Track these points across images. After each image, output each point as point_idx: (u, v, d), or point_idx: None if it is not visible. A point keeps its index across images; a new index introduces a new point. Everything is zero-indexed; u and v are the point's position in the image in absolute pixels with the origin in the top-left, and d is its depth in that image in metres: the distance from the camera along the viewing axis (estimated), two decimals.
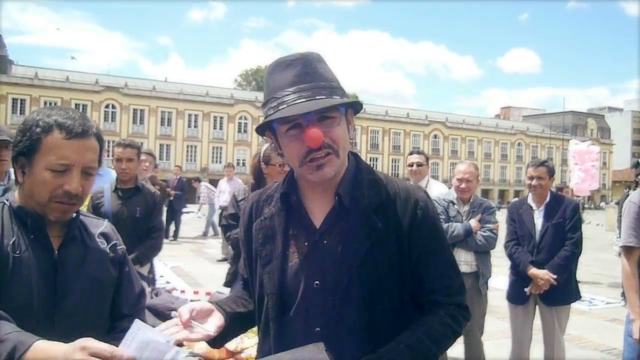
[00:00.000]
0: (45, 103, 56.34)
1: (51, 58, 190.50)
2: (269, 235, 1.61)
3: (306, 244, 1.56)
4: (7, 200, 1.68)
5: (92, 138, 1.65)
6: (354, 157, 1.66)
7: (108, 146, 21.90)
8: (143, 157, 5.38)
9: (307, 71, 1.49)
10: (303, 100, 1.45)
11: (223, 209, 12.75)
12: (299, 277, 1.54)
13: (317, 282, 1.52)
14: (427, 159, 5.44)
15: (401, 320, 1.55)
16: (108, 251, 1.81)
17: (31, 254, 1.60)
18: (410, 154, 5.44)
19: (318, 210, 1.59)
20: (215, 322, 1.55)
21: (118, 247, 1.85)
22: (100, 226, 1.85)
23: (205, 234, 17.16)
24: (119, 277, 1.83)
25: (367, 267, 1.51)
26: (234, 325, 1.62)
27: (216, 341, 1.59)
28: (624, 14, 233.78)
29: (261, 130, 1.59)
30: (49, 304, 1.60)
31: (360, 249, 1.51)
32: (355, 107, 1.60)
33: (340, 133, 1.52)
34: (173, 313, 1.54)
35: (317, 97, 1.46)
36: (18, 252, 1.58)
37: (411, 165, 5.28)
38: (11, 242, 1.58)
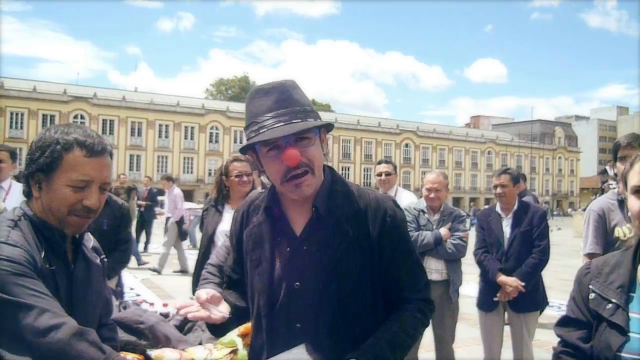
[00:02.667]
0: (11, 114, 55.42)
1: (17, 68, 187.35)
2: (258, 242, 1.80)
3: (288, 249, 1.75)
4: (25, 213, 1.71)
5: (108, 156, 1.75)
6: (330, 170, 1.84)
7: None
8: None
9: (283, 97, 1.68)
10: (281, 124, 1.63)
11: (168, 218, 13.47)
12: (282, 279, 1.74)
13: (297, 283, 1.72)
14: (396, 168, 5.47)
15: (373, 316, 1.75)
16: (100, 265, 1.91)
17: (55, 267, 1.66)
18: (379, 163, 5.46)
19: (299, 220, 1.78)
20: (226, 308, 1.79)
21: (105, 261, 1.97)
22: (90, 240, 1.92)
23: (193, 245, 16.66)
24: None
25: (341, 270, 1.70)
26: (235, 316, 1.83)
27: (219, 329, 1.85)
28: (586, 25, 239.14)
29: (244, 151, 1.77)
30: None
31: (335, 253, 1.70)
32: (327, 127, 1.77)
33: (315, 152, 1.70)
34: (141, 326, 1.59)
35: (293, 121, 1.64)
36: (48, 265, 1.63)
37: (380, 174, 5.31)
38: (42, 256, 1.63)
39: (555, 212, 69.60)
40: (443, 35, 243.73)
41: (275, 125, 1.63)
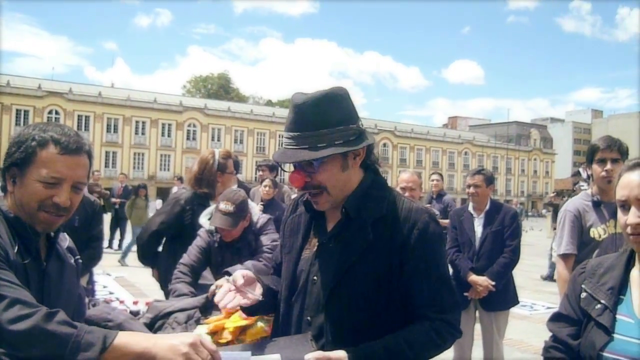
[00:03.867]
0: None
1: None
2: (294, 230, 1.91)
3: (317, 244, 1.83)
4: None
5: (84, 155, 1.74)
6: (373, 174, 1.87)
7: None
8: None
9: (298, 120, 1.70)
10: (290, 147, 1.71)
11: None
12: (304, 271, 1.82)
13: (315, 277, 1.79)
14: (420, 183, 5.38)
15: (384, 325, 1.71)
16: (74, 265, 1.92)
17: (27, 263, 1.66)
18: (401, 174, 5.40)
19: (333, 218, 1.84)
20: (260, 290, 1.82)
21: (79, 261, 1.97)
22: (65, 240, 1.93)
23: None
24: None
25: (356, 272, 1.72)
26: (267, 300, 1.87)
27: (252, 310, 1.91)
28: (561, 29, 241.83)
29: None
30: None
31: (352, 254, 1.73)
32: (334, 154, 1.71)
33: (325, 176, 1.74)
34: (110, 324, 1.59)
35: (300, 147, 1.69)
36: (19, 260, 1.63)
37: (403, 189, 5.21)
38: (15, 250, 1.64)
39: (530, 213, 70.38)
40: (421, 36, 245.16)
41: (286, 147, 1.72)
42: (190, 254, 3.49)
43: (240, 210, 3.37)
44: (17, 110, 55.18)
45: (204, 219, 3.66)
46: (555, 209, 12.90)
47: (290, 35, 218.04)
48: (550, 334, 1.94)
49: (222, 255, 3.47)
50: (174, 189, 15.78)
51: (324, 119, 1.70)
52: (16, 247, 1.65)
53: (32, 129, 1.72)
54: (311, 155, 1.68)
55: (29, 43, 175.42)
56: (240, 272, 1.81)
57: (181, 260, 3.50)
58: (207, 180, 4.05)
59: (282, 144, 1.80)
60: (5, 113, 54.81)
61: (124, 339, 1.45)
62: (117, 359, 1.44)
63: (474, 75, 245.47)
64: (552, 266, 12.39)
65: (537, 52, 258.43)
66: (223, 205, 3.36)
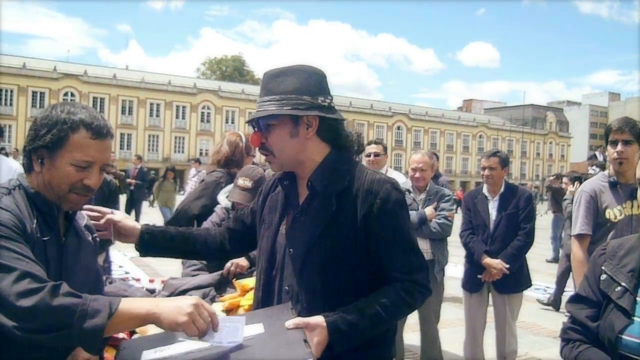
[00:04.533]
0: (1, 90, 54.84)
1: (8, 44, 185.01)
2: (273, 207, 2.03)
3: (291, 218, 1.95)
4: (20, 184, 1.75)
5: (110, 138, 1.80)
6: (337, 149, 1.97)
7: None
8: None
9: (266, 84, 1.92)
10: (256, 110, 1.91)
11: None
12: (281, 244, 1.95)
13: (291, 249, 1.90)
14: (385, 149, 5.46)
15: (357, 288, 1.84)
16: (92, 242, 1.96)
17: (47, 238, 1.70)
18: (368, 144, 5.44)
19: (304, 192, 1.96)
20: (122, 240, 2.12)
21: (97, 239, 2.02)
22: (83, 219, 1.98)
23: None
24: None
25: (323, 241, 1.84)
26: (150, 249, 2.11)
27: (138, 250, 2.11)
28: (578, 11, 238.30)
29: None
30: None
31: (318, 226, 1.85)
32: (287, 116, 1.89)
33: (277, 138, 1.90)
34: None
35: (264, 108, 1.88)
36: (39, 234, 1.67)
37: (369, 155, 5.30)
38: (34, 225, 1.67)
39: (545, 197, 69.91)
40: (435, 18, 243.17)
41: (256, 110, 1.91)
42: (218, 214, 3.57)
43: (258, 187, 3.37)
44: (33, 92, 55.54)
45: (222, 197, 3.70)
46: (554, 193, 12.74)
47: (304, 16, 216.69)
48: (568, 315, 1.94)
49: None
50: (192, 171, 15.78)
51: (278, 87, 1.89)
52: (35, 222, 1.68)
53: (59, 110, 1.73)
54: (258, 114, 1.89)
55: (44, 25, 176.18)
56: (114, 220, 2.08)
57: (211, 219, 3.59)
58: (237, 161, 4.15)
59: None
60: (21, 95, 55.22)
61: (129, 304, 1.53)
62: (124, 323, 1.53)
63: (489, 58, 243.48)
64: (556, 249, 12.32)
65: (553, 34, 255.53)
66: (242, 181, 3.39)
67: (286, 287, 1.90)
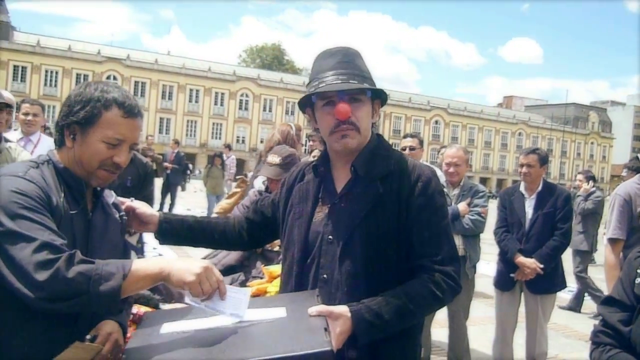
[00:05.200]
0: (46, 72, 56.20)
1: (54, 26, 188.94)
2: (304, 196, 1.98)
3: (328, 205, 1.91)
4: (50, 159, 1.78)
5: (140, 118, 1.83)
6: (377, 137, 1.97)
7: None
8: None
9: (346, 60, 1.86)
10: (339, 82, 1.81)
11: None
12: (319, 232, 1.89)
13: (330, 237, 1.86)
14: (422, 142, 5.36)
15: (400, 275, 1.80)
16: (119, 220, 1.97)
17: (75, 212, 1.72)
18: (404, 137, 5.37)
19: (342, 179, 1.93)
20: (139, 229, 2.11)
21: (124, 217, 2.03)
22: (111, 197, 2.00)
23: None
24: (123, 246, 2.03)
25: (367, 226, 1.80)
26: (168, 235, 2.09)
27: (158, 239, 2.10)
28: (625, 9, 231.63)
29: (302, 104, 1.97)
30: None
31: (362, 209, 1.82)
32: (382, 97, 1.94)
33: (363, 114, 1.86)
34: None
35: (350, 81, 1.81)
36: (66, 208, 1.69)
37: (404, 149, 5.20)
38: (61, 199, 1.69)
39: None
40: (478, 12, 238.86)
41: (334, 82, 1.81)
42: (237, 211, 3.62)
43: (286, 163, 3.48)
44: (77, 74, 56.74)
45: (257, 181, 3.78)
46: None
47: (345, 7, 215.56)
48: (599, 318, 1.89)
49: None
50: (225, 157, 16.21)
51: (364, 66, 1.90)
52: (62, 195, 1.70)
53: (93, 88, 1.76)
54: (353, 86, 1.82)
55: (90, 9, 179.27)
56: (133, 207, 2.06)
57: (243, 202, 3.69)
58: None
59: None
60: (66, 77, 56.47)
61: (141, 264, 1.59)
62: (138, 282, 1.57)
63: (532, 54, 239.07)
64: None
65: (599, 33, 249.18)
66: (271, 158, 3.54)
67: (324, 276, 1.85)
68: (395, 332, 1.76)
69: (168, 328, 1.66)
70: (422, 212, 1.82)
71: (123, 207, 2.02)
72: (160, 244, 2.16)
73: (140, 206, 2.09)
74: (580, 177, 9.04)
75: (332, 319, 1.63)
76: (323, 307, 1.65)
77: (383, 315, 1.68)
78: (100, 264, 1.53)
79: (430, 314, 1.95)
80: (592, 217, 8.36)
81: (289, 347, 1.49)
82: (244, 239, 2.19)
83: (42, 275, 1.46)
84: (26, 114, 4.73)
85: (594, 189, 8.54)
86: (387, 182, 1.84)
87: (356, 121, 1.84)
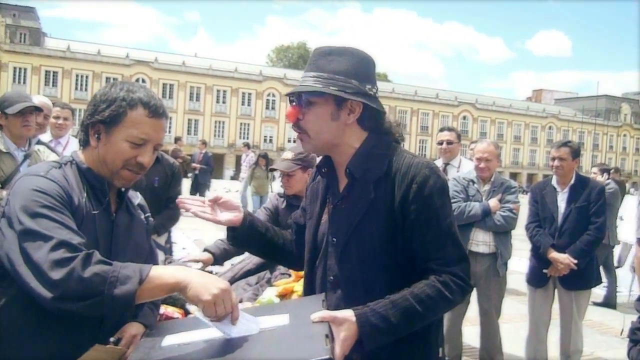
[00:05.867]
0: (77, 76, 57.21)
1: (83, 31, 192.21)
2: (314, 196, 1.97)
3: (332, 206, 1.88)
4: (73, 159, 1.79)
5: (165, 119, 1.82)
6: (376, 135, 1.86)
7: None
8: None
9: (314, 60, 1.80)
10: (299, 84, 1.78)
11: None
12: (324, 233, 1.87)
13: (334, 238, 1.83)
14: (459, 136, 5.18)
15: (396, 279, 1.73)
16: (144, 221, 1.98)
17: (97, 213, 1.73)
18: (441, 130, 5.19)
19: (344, 179, 1.87)
20: (229, 216, 1.90)
21: (150, 219, 2.04)
22: (137, 198, 2.00)
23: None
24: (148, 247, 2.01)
25: (362, 230, 1.76)
26: (248, 234, 1.94)
27: (231, 237, 1.96)
28: None
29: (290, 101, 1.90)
30: None
31: (357, 214, 1.77)
32: (364, 95, 1.79)
33: (314, 117, 1.79)
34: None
35: (305, 84, 1.76)
36: (88, 208, 1.70)
37: (441, 143, 5.06)
38: (83, 199, 1.70)
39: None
40: (504, 5, 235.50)
41: (296, 84, 1.80)
42: (259, 215, 3.63)
43: (299, 160, 3.51)
44: (106, 78, 57.54)
45: (278, 184, 3.82)
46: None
47: (369, 5, 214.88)
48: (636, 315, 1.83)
49: (288, 217, 3.56)
50: (243, 156, 16.31)
51: (328, 66, 1.78)
52: (84, 195, 1.71)
53: (119, 88, 1.77)
54: (301, 88, 1.77)
55: (118, 14, 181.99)
56: (217, 194, 1.94)
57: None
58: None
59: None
60: (96, 80, 57.36)
61: (159, 271, 1.55)
62: (154, 290, 1.54)
63: (560, 47, 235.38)
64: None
65: (629, 22, 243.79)
66: (285, 154, 3.58)
67: (331, 277, 1.82)
68: (405, 334, 1.68)
69: (169, 340, 1.63)
70: (420, 215, 1.73)
71: (213, 197, 1.91)
72: (232, 243, 2.02)
73: (224, 197, 1.95)
74: (595, 169, 8.93)
75: (336, 325, 1.56)
76: (326, 313, 1.58)
77: (390, 319, 1.61)
78: (118, 266, 1.51)
79: (442, 314, 1.85)
80: (608, 209, 8.22)
81: (285, 355, 1.44)
82: (293, 251, 2.08)
83: (57, 274, 1.45)
84: (57, 117, 4.83)
85: (608, 181, 8.38)
86: (381, 185, 1.77)
87: (304, 125, 1.80)
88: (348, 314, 1.59)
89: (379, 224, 1.74)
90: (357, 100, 1.78)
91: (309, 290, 1.91)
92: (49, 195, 1.59)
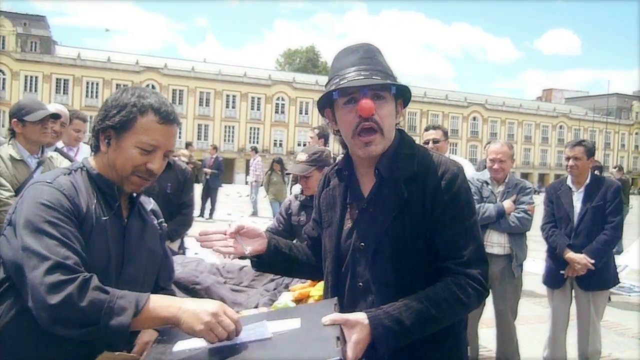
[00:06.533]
0: (87, 83, 57.55)
1: (93, 39, 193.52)
2: (331, 203, 1.90)
3: (357, 211, 1.82)
4: (83, 165, 1.78)
5: (176, 125, 1.80)
6: (399, 133, 1.86)
7: None
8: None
9: (367, 56, 1.75)
10: (361, 77, 1.70)
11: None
12: (350, 239, 1.81)
13: (362, 243, 1.77)
14: (446, 134, 5.04)
15: (432, 279, 1.70)
16: (158, 227, 1.97)
17: (108, 218, 1.72)
18: (426, 129, 5.03)
19: (368, 182, 1.83)
20: (254, 246, 1.84)
21: (163, 224, 2.02)
22: (149, 203, 1.99)
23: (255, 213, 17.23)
24: (162, 253, 2.00)
25: (395, 231, 1.72)
26: (273, 259, 1.89)
27: (256, 264, 1.90)
28: None
29: (322, 103, 1.82)
30: (117, 268, 1.72)
31: (389, 215, 1.73)
32: (404, 93, 1.81)
33: (387, 113, 1.74)
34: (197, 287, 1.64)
35: (373, 77, 1.70)
36: (99, 214, 1.69)
37: (427, 142, 4.87)
38: (93, 205, 1.69)
39: (631, 191, 66.68)
40: (511, 5, 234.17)
41: (356, 78, 1.70)
42: (276, 221, 3.67)
43: (313, 160, 3.52)
44: (117, 84, 57.82)
45: (295, 187, 3.86)
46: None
47: (376, 7, 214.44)
48: None
49: (300, 214, 3.66)
50: (251, 160, 16.38)
51: (385, 62, 1.78)
52: (94, 202, 1.70)
53: (130, 94, 1.75)
54: (392, 82, 1.73)
55: (128, 21, 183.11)
56: (239, 222, 1.86)
57: (269, 227, 3.71)
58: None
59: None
60: (106, 87, 57.66)
61: (154, 304, 1.53)
62: (148, 322, 1.54)
63: (569, 45, 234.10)
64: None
65: (637, 20, 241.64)
66: (299, 156, 3.59)
67: (360, 284, 1.78)
68: (439, 331, 1.67)
69: (181, 346, 1.62)
70: (447, 210, 1.72)
71: (235, 228, 1.83)
72: (257, 269, 1.97)
73: (245, 224, 1.90)
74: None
75: (348, 327, 1.54)
76: (337, 316, 1.56)
77: (404, 321, 1.58)
78: (114, 295, 1.50)
79: (459, 317, 1.79)
80: None
81: (296, 357, 1.44)
82: (313, 262, 2.04)
83: (53, 299, 1.45)
84: (78, 130, 4.85)
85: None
86: (413, 183, 1.74)
87: (379, 120, 1.72)
88: (360, 316, 1.57)
89: (413, 223, 1.72)
90: (409, 97, 1.83)
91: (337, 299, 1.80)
92: (53, 208, 1.58)
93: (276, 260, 1.91)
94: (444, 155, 1.87)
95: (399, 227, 1.72)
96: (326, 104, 1.81)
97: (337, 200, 1.89)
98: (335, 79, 1.75)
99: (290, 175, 7.52)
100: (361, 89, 1.69)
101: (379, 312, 1.59)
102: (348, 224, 1.84)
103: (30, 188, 1.65)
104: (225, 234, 1.81)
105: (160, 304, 1.54)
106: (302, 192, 3.64)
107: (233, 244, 1.80)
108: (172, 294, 2.05)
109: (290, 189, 13.96)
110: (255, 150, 17.38)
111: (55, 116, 3.75)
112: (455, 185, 1.74)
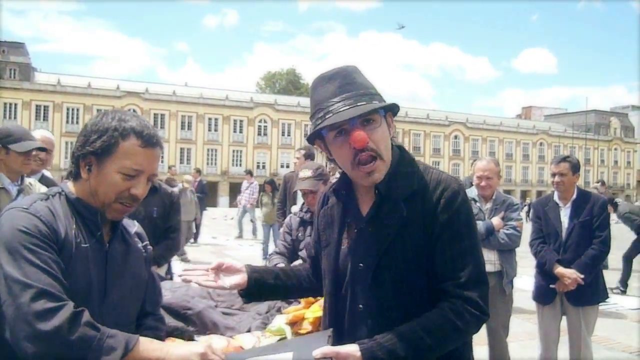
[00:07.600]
0: (67, 109, 57.25)
1: (73, 65, 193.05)
2: (329, 222, 1.86)
3: (355, 230, 1.77)
4: (62, 190, 1.72)
5: (159, 148, 1.74)
6: (399, 150, 1.81)
7: None
8: None
9: (347, 82, 1.68)
10: (347, 107, 1.63)
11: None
12: (348, 259, 1.76)
13: (361, 264, 1.72)
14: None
15: (430, 302, 1.65)
16: (142, 250, 1.90)
17: (89, 244, 1.65)
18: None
19: (366, 200, 1.78)
20: (234, 281, 1.85)
21: (148, 247, 1.95)
22: (133, 226, 1.92)
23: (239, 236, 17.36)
24: (148, 276, 1.94)
25: (395, 251, 1.67)
26: (257, 291, 1.90)
27: (244, 296, 1.91)
28: (637, 12, 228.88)
29: (311, 139, 1.77)
30: (100, 294, 1.66)
31: (389, 235, 1.68)
32: (393, 109, 1.76)
33: (381, 135, 1.69)
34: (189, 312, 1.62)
35: (358, 104, 1.63)
36: (79, 240, 1.63)
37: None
38: (72, 230, 1.63)
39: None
40: (488, 26, 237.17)
41: (342, 109, 1.63)
42: (281, 241, 3.84)
43: (319, 175, 3.59)
44: (97, 109, 57.53)
45: (294, 207, 3.91)
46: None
47: (354, 29, 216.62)
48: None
49: (299, 230, 3.76)
50: (244, 184, 16.39)
51: (367, 82, 1.73)
52: (74, 227, 1.64)
53: (110, 118, 1.69)
54: (379, 105, 1.66)
55: (107, 46, 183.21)
56: (220, 261, 1.87)
57: (275, 250, 3.89)
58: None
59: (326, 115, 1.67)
60: (87, 113, 57.34)
61: (142, 347, 1.51)
62: None
63: (546, 64, 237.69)
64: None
65: (612, 37, 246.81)
66: (302, 174, 3.64)
67: (360, 306, 1.72)
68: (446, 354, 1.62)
69: None
70: (446, 229, 1.66)
71: (215, 265, 1.86)
72: (247, 301, 2.00)
73: (226, 262, 1.92)
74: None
75: None
76: (329, 349, 1.52)
77: (398, 353, 1.53)
78: (105, 334, 1.47)
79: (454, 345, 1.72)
80: None
81: None
82: (313, 282, 2.03)
83: (45, 326, 1.41)
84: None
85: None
86: (412, 202, 1.69)
87: (375, 146, 1.66)
88: (352, 348, 1.52)
89: (413, 242, 1.66)
90: (396, 110, 1.78)
91: (333, 321, 1.79)
92: (28, 234, 1.52)
93: (261, 291, 1.91)
94: (444, 171, 1.82)
95: (399, 247, 1.67)
96: (316, 136, 1.75)
97: (335, 220, 1.84)
98: (319, 112, 1.68)
99: (288, 195, 7.46)
100: (349, 121, 1.62)
101: (372, 343, 1.54)
102: (346, 244, 1.79)
103: (6, 214, 1.58)
104: (207, 271, 1.83)
105: (148, 347, 1.52)
106: (302, 209, 3.70)
107: (214, 278, 1.83)
108: (161, 318, 1.99)
109: (289, 209, 13.78)
110: (250, 174, 17.25)
111: (42, 149, 3.72)
112: (455, 203, 1.69)
